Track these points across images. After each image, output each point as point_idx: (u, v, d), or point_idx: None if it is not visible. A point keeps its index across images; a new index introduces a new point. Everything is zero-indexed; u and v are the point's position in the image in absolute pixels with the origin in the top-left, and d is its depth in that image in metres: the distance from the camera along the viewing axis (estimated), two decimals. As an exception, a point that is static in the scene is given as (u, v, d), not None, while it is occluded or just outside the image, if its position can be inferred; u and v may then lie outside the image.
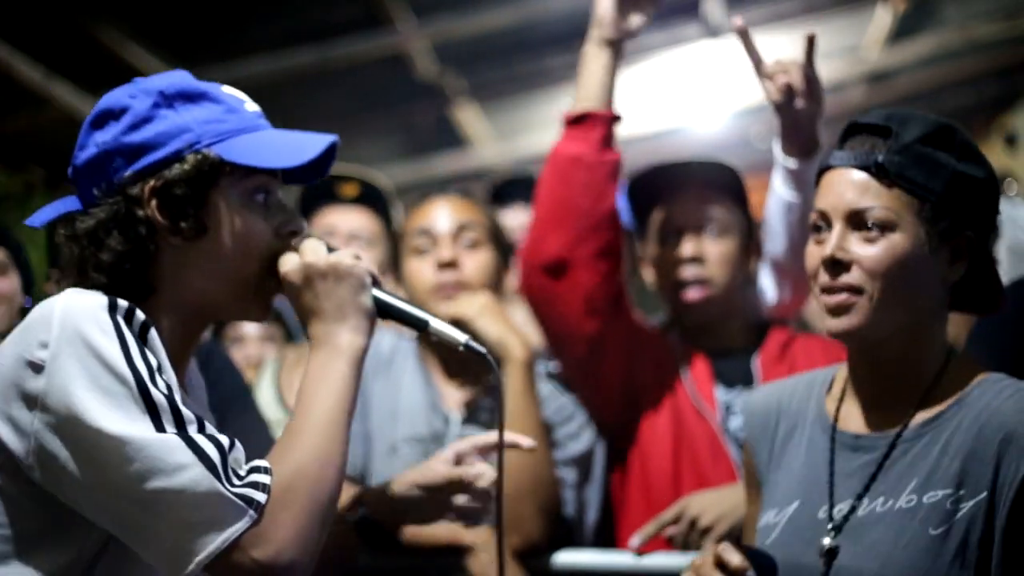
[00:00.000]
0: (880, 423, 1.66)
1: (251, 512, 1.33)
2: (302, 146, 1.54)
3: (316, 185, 2.68)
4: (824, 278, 1.62)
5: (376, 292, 1.59)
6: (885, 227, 1.59)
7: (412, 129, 6.39)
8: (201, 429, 1.37)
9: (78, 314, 1.36)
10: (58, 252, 2.28)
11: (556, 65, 5.74)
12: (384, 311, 1.61)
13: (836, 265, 1.60)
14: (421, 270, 2.43)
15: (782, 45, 6.11)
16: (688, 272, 2.34)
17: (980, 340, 2.02)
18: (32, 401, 1.35)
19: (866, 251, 1.59)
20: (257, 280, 1.55)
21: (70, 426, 1.33)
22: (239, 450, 1.39)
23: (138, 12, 4.85)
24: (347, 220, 3.00)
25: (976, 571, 1.52)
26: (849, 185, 1.62)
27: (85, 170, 1.52)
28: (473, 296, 2.39)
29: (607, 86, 2.31)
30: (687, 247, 2.34)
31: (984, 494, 1.52)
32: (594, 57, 2.31)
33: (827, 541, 1.60)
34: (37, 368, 1.34)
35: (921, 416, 1.63)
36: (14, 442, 1.36)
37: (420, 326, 1.62)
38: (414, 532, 2.27)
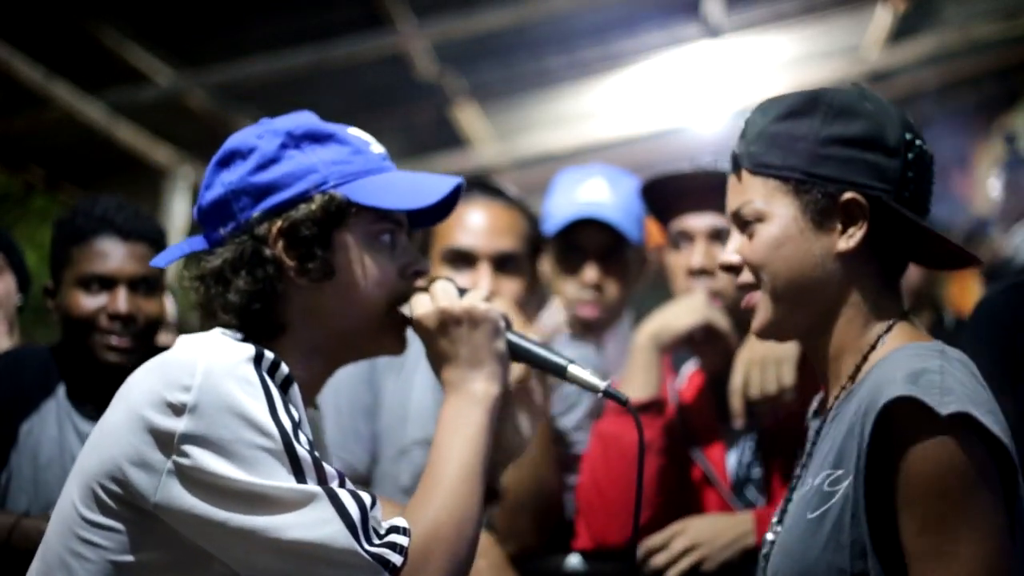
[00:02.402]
0: (823, 406, 1.61)
1: (385, 574, 1.33)
2: (427, 188, 1.55)
3: None
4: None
5: (511, 336, 1.58)
6: (758, 219, 1.53)
7: (412, 129, 6.38)
8: (342, 485, 1.36)
9: (224, 364, 1.35)
10: (59, 263, 2.29)
11: (556, 65, 5.74)
12: (519, 355, 1.59)
13: (730, 269, 1.58)
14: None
15: (782, 45, 6.15)
16: (700, 285, 2.32)
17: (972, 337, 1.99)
18: (167, 442, 1.33)
19: (746, 248, 1.55)
20: (383, 319, 1.55)
21: (207, 474, 1.31)
22: (379, 508, 1.38)
23: (138, 12, 4.85)
24: None
25: (851, 553, 1.41)
26: (729, 190, 1.59)
27: (211, 209, 1.52)
28: None
29: (659, 375, 2.31)
30: (697, 258, 2.31)
31: (852, 474, 1.42)
32: (649, 352, 2.29)
33: (770, 536, 1.57)
34: (177, 410, 1.33)
35: (843, 393, 1.53)
36: (140, 478, 1.34)
37: (558, 371, 1.59)
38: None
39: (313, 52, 5.19)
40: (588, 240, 2.66)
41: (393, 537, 1.36)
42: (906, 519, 1.37)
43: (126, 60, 5.00)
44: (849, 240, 1.51)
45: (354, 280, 1.51)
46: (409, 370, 2.41)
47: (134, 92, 5.26)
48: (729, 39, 5.78)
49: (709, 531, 2.14)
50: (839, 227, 1.51)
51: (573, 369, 1.58)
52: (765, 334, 1.58)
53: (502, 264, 2.40)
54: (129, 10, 4.81)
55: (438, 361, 1.56)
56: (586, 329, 2.73)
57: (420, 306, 1.55)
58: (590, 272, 2.66)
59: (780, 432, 2.23)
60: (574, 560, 2.33)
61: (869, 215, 1.50)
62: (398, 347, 1.59)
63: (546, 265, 2.73)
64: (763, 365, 2.19)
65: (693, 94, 6.39)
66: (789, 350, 2.20)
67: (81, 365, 2.29)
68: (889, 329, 1.53)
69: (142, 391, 1.37)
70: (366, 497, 1.36)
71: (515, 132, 6.66)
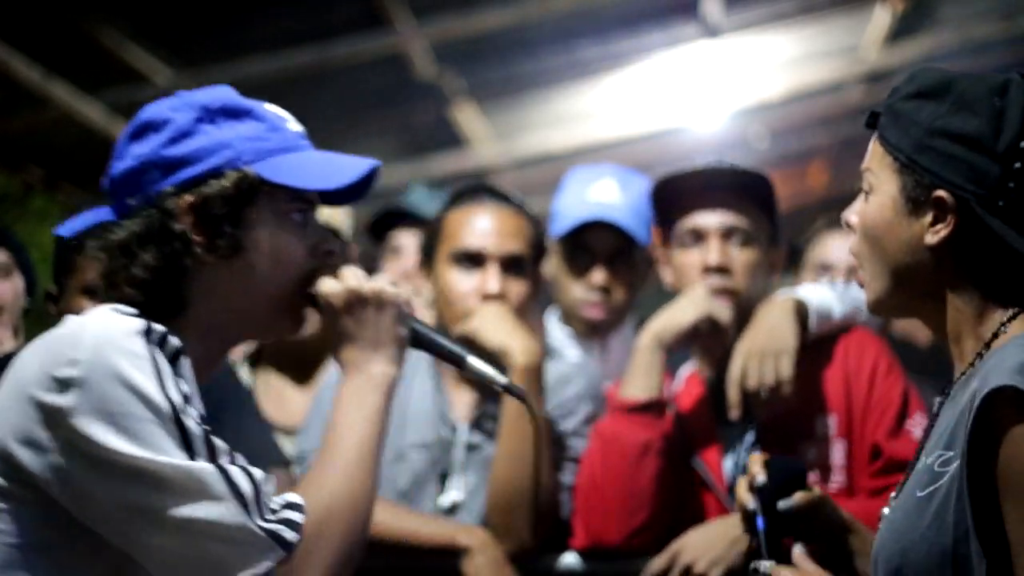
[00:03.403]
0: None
1: (280, 551, 1.32)
2: (342, 168, 1.54)
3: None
4: None
5: (415, 324, 1.59)
6: (871, 189, 1.55)
7: (411, 129, 6.38)
8: (233, 461, 1.35)
9: (111, 337, 1.33)
10: (63, 269, 2.29)
11: (556, 65, 5.74)
12: (421, 342, 1.61)
13: (849, 227, 1.59)
14: (466, 295, 2.40)
15: (781, 45, 6.14)
16: (713, 282, 2.31)
17: None
18: (54, 418, 1.31)
19: (861, 211, 1.57)
20: (289, 299, 1.54)
21: (96, 449, 1.29)
22: (272, 483, 1.38)
23: (138, 12, 4.84)
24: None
25: (955, 534, 1.40)
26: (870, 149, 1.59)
27: (121, 181, 1.50)
28: (481, 310, 2.38)
29: (661, 376, 2.30)
30: (713, 256, 2.31)
31: (958, 454, 1.41)
32: (652, 353, 2.29)
33: (885, 510, 1.57)
34: (63, 385, 1.31)
35: (962, 378, 1.52)
36: (29, 456, 1.32)
37: (457, 362, 1.61)
38: (410, 533, 2.28)
39: (313, 52, 5.19)
40: (597, 242, 2.67)
41: (287, 513, 1.35)
42: (1009, 508, 1.36)
43: (125, 60, 4.99)
44: (934, 235, 1.50)
45: (262, 259, 1.49)
46: (409, 375, 2.44)
47: (133, 92, 5.26)
48: (728, 39, 5.77)
49: (705, 542, 2.14)
50: (929, 219, 1.50)
51: (472, 360, 1.61)
52: (873, 309, 1.59)
53: (510, 266, 2.41)
54: (129, 10, 4.81)
55: (340, 340, 1.56)
56: (591, 330, 2.74)
57: (328, 285, 1.55)
58: (598, 274, 2.67)
59: (777, 426, 2.23)
60: (571, 559, 2.33)
61: (957, 215, 1.48)
62: (295, 329, 1.58)
63: (550, 265, 2.74)
64: (762, 357, 2.20)
65: (692, 94, 6.39)
66: (788, 343, 2.20)
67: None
68: (1013, 318, 1.49)
69: (29, 368, 1.35)
70: (257, 473, 1.35)
71: (515, 132, 6.66)
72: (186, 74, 5.32)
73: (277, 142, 1.51)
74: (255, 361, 2.86)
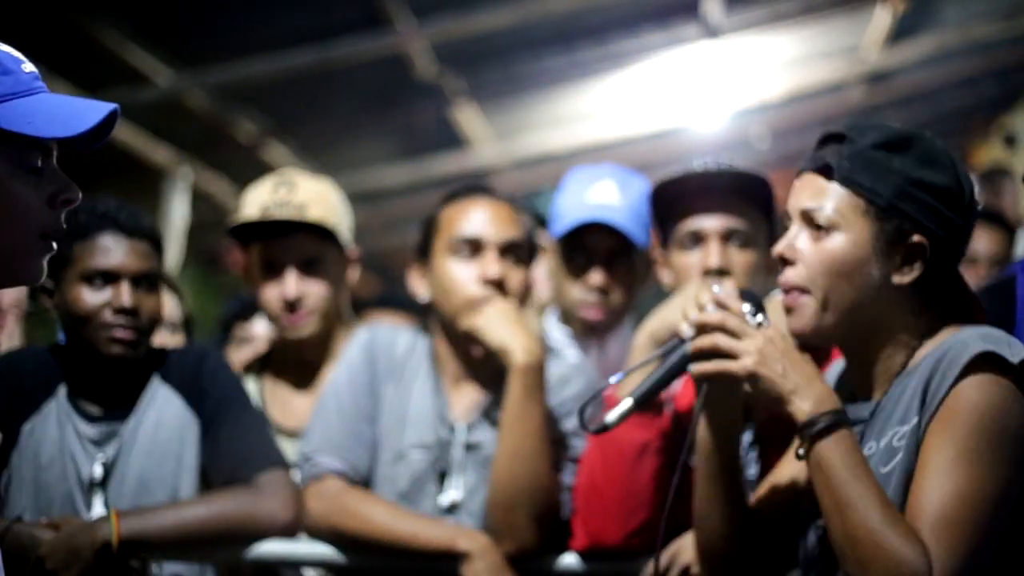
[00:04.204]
0: (860, 394, 1.74)
1: None
2: (78, 114, 1.44)
3: None
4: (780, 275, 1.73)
5: None
6: (831, 227, 1.66)
7: (411, 129, 6.38)
8: None
9: None
10: (60, 261, 2.27)
11: (556, 65, 5.74)
12: None
13: (784, 262, 1.70)
14: (466, 282, 2.41)
15: (781, 45, 6.15)
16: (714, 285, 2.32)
17: None
18: None
19: (810, 249, 1.67)
20: (27, 251, 1.43)
21: None
22: None
23: (138, 12, 4.85)
24: None
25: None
26: (806, 187, 1.71)
27: None
28: (487, 307, 2.38)
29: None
30: (713, 259, 2.32)
31: (915, 420, 1.57)
32: (647, 352, 2.27)
33: None
34: None
35: (896, 379, 1.68)
36: None
37: None
38: (409, 535, 2.28)
39: (313, 52, 5.19)
40: (595, 243, 2.68)
41: None
42: (932, 436, 1.51)
43: (126, 60, 5.00)
44: (903, 276, 1.66)
45: None
46: (408, 378, 2.46)
47: (134, 92, 5.26)
48: (728, 39, 5.78)
49: None
50: (899, 261, 1.66)
51: None
52: (804, 337, 1.69)
53: (508, 252, 2.43)
54: (129, 10, 4.81)
55: None
56: (590, 331, 2.74)
57: None
58: (596, 276, 2.67)
59: (777, 424, 2.23)
60: (571, 559, 2.33)
61: (928, 260, 1.65)
62: (34, 280, 1.47)
63: (543, 266, 2.74)
64: None
65: (693, 94, 6.39)
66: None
67: (84, 363, 2.30)
68: (938, 330, 1.68)
69: None
70: None
71: (515, 132, 6.66)
72: (186, 74, 5.32)
73: (9, 86, 1.41)
74: (260, 368, 2.86)
